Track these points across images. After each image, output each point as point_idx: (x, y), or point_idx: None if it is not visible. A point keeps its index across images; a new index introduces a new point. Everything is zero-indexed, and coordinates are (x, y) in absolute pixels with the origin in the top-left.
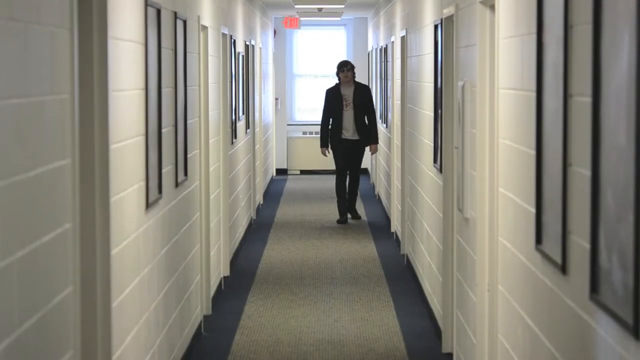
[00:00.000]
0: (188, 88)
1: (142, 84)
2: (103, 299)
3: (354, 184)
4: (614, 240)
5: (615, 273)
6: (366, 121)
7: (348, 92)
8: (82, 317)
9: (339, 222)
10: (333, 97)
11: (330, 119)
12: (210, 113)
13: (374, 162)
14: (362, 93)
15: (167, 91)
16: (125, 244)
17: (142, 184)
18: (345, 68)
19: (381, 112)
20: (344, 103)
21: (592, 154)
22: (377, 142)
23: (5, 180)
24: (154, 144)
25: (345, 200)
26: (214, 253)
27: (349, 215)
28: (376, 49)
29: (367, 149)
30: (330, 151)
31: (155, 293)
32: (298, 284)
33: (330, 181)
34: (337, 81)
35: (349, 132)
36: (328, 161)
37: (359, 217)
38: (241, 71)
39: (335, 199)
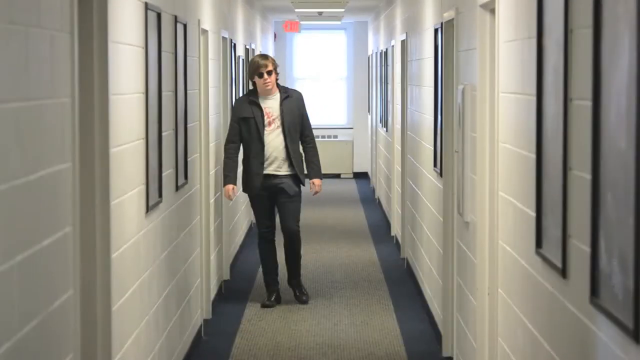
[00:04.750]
0: (188, 92)
1: (142, 88)
2: (103, 303)
3: (292, 245)
4: (614, 244)
5: (616, 277)
6: (300, 148)
7: (272, 104)
8: (82, 320)
9: (264, 305)
10: (247, 112)
11: (241, 146)
12: (210, 117)
13: (374, 165)
14: (294, 103)
15: (167, 95)
16: (125, 247)
17: (142, 187)
18: (264, 69)
19: (381, 115)
20: (266, 120)
21: (592, 158)
22: (321, 177)
23: (6, 184)
24: (154, 147)
25: (277, 272)
26: (214, 257)
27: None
28: (376, 52)
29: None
30: (240, 192)
31: (155, 297)
32: None
33: (332, 185)
34: (252, 87)
35: (275, 164)
36: (329, 163)
37: (306, 300)
38: (241, 75)
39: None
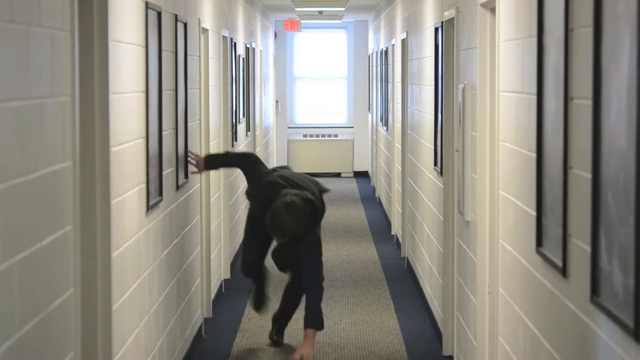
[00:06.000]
0: (188, 90)
1: (142, 87)
2: (104, 301)
3: (292, 300)
4: (614, 243)
5: (616, 276)
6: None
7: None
8: (82, 319)
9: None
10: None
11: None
12: (210, 115)
13: (374, 164)
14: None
15: (167, 94)
16: (125, 246)
17: (143, 186)
18: (279, 239)
19: (382, 114)
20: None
21: (593, 157)
22: (318, 327)
23: (6, 183)
24: (155, 146)
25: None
26: (215, 255)
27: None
28: (377, 51)
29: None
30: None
31: (155, 295)
32: None
33: (332, 184)
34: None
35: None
36: (329, 162)
37: (279, 342)
38: (242, 74)
39: None
